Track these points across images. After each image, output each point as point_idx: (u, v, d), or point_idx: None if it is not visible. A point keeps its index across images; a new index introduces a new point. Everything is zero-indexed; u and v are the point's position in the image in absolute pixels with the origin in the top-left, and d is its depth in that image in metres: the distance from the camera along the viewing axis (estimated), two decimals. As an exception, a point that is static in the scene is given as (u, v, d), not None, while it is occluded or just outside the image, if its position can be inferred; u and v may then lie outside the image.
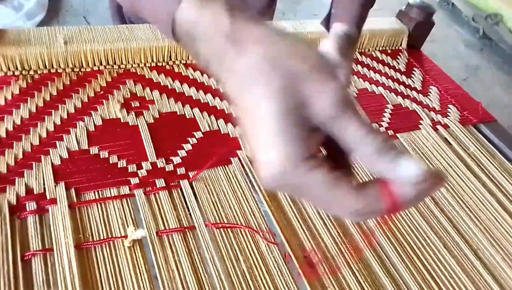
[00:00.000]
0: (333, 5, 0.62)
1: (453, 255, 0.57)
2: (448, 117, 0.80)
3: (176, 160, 0.59)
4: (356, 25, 0.58)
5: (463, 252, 0.58)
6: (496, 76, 2.44)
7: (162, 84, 0.72)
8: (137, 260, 0.48)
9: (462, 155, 0.72)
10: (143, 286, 0.46)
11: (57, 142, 0.58)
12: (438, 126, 0.77)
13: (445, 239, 0.59)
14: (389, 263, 0.54)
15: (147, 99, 0.67)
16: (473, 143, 0.75)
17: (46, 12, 2.01)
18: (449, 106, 0.83)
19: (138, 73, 0.72)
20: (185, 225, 0.52)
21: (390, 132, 0.73)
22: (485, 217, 0.63)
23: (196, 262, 0.49)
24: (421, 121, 0.77)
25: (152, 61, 0.75)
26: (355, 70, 0.86)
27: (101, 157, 0.57)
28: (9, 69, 0.65)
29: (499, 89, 2.32)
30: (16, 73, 0.66)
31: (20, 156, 0.55)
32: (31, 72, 0.66)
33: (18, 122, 0.59)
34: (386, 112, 0.77)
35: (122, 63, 0.72)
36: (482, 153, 0.73)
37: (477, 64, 2.49)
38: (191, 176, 0.57)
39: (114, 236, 0.49)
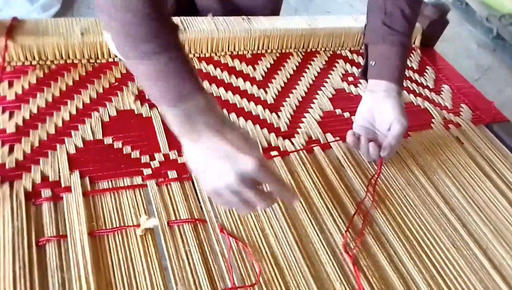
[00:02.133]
0: (371, 57, 0.68)
1: (462, 254, 0.57)
2: (460, 116, 0.80)
3: (188, 152, 0.59)
4: (401, 82, 0.66)
5: (472, 251, 0.58)
6: (508, 77, 2.41)
7: (175, 77, 0.72)
8: (148, 249, 0.48)
9: (474, 155, 0.72)
10: (154, 274, 0.46)
11: (72, 131, 0.59)
12: (450, 125, 0.77)
13: (454, 237, 0.59)
14: (397, 259, 0.55)
15: (160, 91, 0.68)
16: (485, 143, 0.74)
17: (61, 4, 2.03)
18: (462, 105, 0.83)
19: (152, 66, 0.73)
20: (196, 216, 0.52)
21: (402, 130, 0.73)
22: (495, 217, 0.63)
23: (206, 253, 0.49)
24: (433, 120, 0.77)
25: (166, 54, 0.75)
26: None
27: (115, 147, 0.58)
28: (26, 59, 0.66)
29: (511, 91, 2.30)
30: (33, 62, 0.67)
31: (36, 144, 0.56)
32: (48, 62, 0.67)
33: (35, 110, 0.60)
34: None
35: (136, 55, 0.72)
36: (493, 153, 0.73)
37: (490, 64, 2.46)
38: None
39: (126, 224, 0.50)
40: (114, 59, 0.71)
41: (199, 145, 0.46)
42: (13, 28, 0.65)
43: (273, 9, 0.92)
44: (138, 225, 0.49)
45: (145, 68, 0.45)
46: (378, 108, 0.64)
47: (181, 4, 0.89)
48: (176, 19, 0.75)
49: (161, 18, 0.45)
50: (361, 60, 0.88)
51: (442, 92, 0.85)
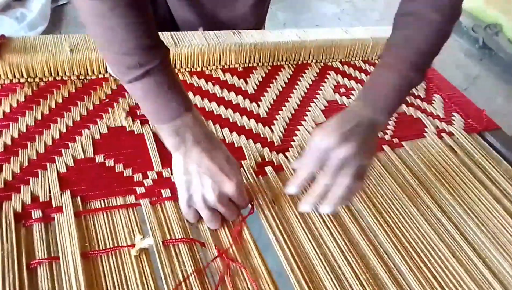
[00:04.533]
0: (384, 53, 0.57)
1: (461, 263, 0.56)
2: (452, 125, 0.80)
3: (182, 168, 0.58)
4: (384, 114, 0.55)
5: (471, 261, 0.57)
6: (496, 86, 2.44)
7: (167, 92, 0.71)
8: (143, 269, 0.47)
9: (468, 163, 0.72)
10: (150, 295, 0.45)
11: (62, 149, 0.57)
12: (443, 134, 0.77)
13: (452, 247, 0.58)
14: (396, 271, 0.54)
15: (152, 107, 0.67)
16: (478, 151, 0.75)
17: (49, 23, 2.02)
18: (453, 114, 0.83)
19: (143, 82, 0.72)
20: (191, 236, 0.51)
21: (395, 140, 0.73)
22: (492, 224, 0.63)
23: (203, 273, 0.48)
24: (425, 129, 0.77)
25: (157, 69, 0.74)
26: (359, 79, 0.86)
27: (107, 165, 0.57)
28: (14, 77, 0.65)
29: (499, 99, 2.33)
30: (22, 80, 0.66)
31: (26, 163, 0.55)
32: (37, 80, 0.67)
33: (24, 129, 0.59)
34: (390, 120, 0.77)
35: (127, 72, 0.72)
36: (487, 160, 0.73)
37: (477, 74, 2.50)
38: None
39: (120, 245, 0.48)
40: (104, 75, 0.70)
41: (186, 160, 0.51)
42: (0, 46, 0.64)
43: (256, 23, 0.91)
44: (132, 245, 0.48)
45: (136, 90, 0.50)
46: None
47: (159, 17, 0.88)
48: (166, 35, 0.75)
49: (150, 45, 0.48)
50: (352, 71, 0.88)
51: (433, 102, 0.86)
